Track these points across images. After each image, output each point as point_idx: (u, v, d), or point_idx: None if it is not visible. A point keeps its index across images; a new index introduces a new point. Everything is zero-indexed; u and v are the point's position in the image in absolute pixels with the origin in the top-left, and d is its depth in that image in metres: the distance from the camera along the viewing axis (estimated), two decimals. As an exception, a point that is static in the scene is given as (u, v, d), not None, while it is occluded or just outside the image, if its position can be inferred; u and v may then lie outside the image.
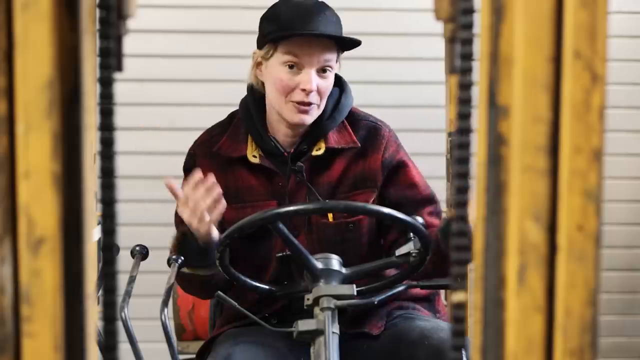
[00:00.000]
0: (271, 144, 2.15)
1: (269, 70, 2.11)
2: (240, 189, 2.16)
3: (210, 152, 2.18)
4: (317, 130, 2.15)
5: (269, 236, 2.09)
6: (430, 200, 2.20)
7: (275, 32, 2.08)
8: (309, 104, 2.07)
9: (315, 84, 2.06)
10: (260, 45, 2.14)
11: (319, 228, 2.13)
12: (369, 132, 2.19)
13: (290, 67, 2.07)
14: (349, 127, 2.19)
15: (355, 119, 2.22)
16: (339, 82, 2.23)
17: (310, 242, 2.12)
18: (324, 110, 2.15)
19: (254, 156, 2.15)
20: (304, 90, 2.06)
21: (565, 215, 0.94)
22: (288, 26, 2.06)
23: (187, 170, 2.22)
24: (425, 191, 2.20)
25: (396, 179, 2.18)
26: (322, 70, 2.08)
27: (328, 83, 2.11)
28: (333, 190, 2.14)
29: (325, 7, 2.12)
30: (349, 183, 2.15)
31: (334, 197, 2.14)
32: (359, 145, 2.16)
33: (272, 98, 2.12)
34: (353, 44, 2.11)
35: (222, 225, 2.13)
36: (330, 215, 2.13)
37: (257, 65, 2.15)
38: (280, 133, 2.16)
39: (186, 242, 2.03)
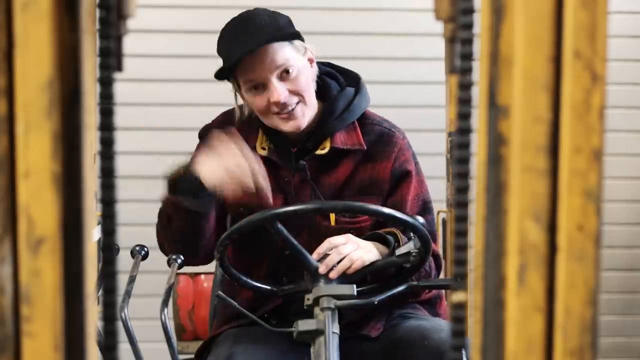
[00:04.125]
0: (280, 136, 2.15)
1: (245, 98, 2.13)
2: None
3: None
4: (323, 129, 2.14)
5: (264, 234, 2.08)
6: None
7: (223, 69, 2.08)
8: (290, 108, 2.07)
9: (283, 90, 2.05)
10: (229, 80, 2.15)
11: (320, 231, 2.11)
12: (381, 137, 2.17)
13: (255, 88, 2.07)
14: (358, 129, 2.17)
15: (367, 122, 2.19)
16: (357, 83, 2.21)
17: (311, 244, 2.10)
18: (333, 110, 2.14)
19: (263, 148, 2.15)
20: (275, 103, 2.05)
21: (565, 215, 0.94)
22: (227, 58, 2.06)
23: (201, 136, 2.24)
24: (411, 212, 2.13)
25: (393, 190, 2.16)
26: (285, 72, 2.05)
27: (299, 80, 2.07)
28: (339, 192, 2.13)
29: (252, 15, 2.07)
30: (356, 187, 2.13)
31: (339, 199, 2.12)
32: (365, 147, 2.14)
33: (261, 118, 2.13)
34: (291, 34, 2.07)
35: (222, 207, 2.13)
36: (332, 219, 2.12)
37: (240, 95, 2.16)
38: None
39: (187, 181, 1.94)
